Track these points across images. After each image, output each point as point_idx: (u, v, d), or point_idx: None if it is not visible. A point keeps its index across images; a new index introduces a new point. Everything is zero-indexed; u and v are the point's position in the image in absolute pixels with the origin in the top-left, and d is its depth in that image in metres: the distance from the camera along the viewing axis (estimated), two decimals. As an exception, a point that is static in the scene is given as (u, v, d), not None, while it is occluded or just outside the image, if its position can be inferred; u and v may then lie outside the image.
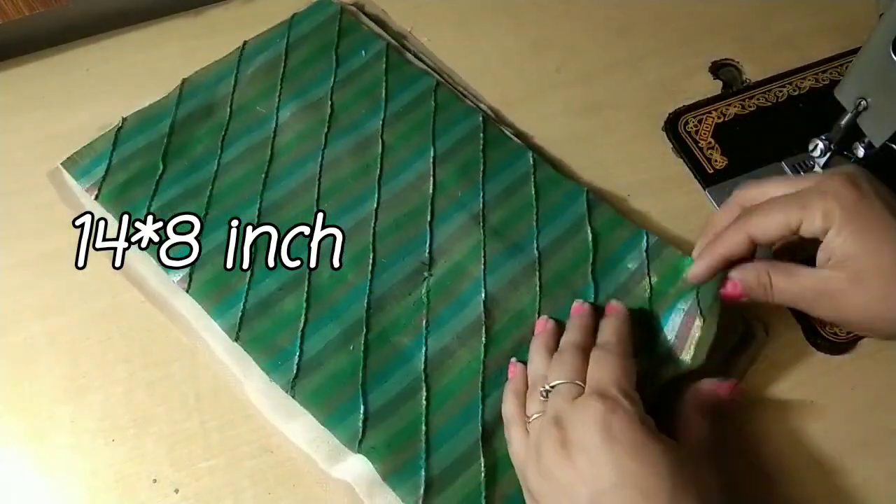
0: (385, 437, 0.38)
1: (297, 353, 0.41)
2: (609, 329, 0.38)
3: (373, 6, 0.56)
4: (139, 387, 0.42)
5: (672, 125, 0.51)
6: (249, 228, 0.45)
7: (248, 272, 0.43)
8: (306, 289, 0.43)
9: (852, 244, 0.33)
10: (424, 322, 0.42)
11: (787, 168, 0.49)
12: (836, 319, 0.35)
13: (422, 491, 0.37)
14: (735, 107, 0.52)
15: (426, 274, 0.43)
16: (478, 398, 0.40)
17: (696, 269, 0.39)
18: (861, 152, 0.44)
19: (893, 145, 0.43)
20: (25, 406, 0.41)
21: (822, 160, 0.47)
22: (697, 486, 0.31)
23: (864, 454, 0.40)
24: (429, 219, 0.45)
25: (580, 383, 0.35)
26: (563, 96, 0.53)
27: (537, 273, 0.43)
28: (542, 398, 0.36)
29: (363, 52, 0.52)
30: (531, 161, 0.48)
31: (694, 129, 0.51)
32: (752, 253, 0.38)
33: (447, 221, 0.45)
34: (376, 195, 0.46)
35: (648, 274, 0.43)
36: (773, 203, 0.36)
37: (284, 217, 0.45)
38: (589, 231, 0.45)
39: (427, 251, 0.44)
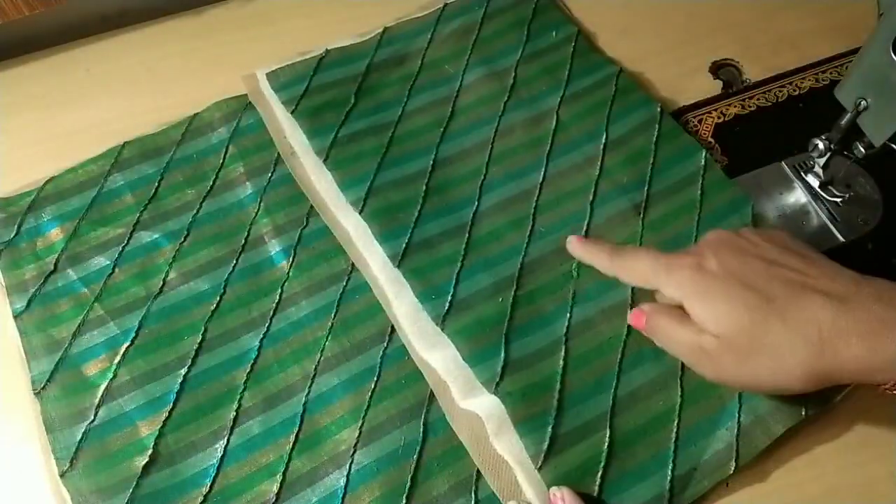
0: (521, 386, 0.39)
1: (451, 293, 0.42)
2: None
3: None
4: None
5: (672, 125, 0.51)
6: (423, 175, 0.47)
7: (416, 213, 0.45)
8: (465, 240, 0.45)
9: (711, 317, 0.35)
10: (571, 293, 0.43)
11: (787, 168, 0.49)
12: (717, 379, 0.36)
13: (545, 445, 0.38)
14: (735, 107, 0.52)
15: None
16: (613, 373, 0.40)
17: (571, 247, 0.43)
18: (861, 152, 0.44)
19: (893, 145, 0.43)
20: (25, 406, 0.41)
21: (822, 160, 0.47)
22: None
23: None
24: (590, 199, 0.47)
25: None
26: (563, 96, 0.53)
27: None
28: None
29: (553, 32, 0.54)
30: (703, 161, 0.48)
31: (694, 129, 0.51)
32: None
33: (607, 205, 0.46)
34: (543, 169, 0.48)
35: None
36: (641, 256, 0.39)
37: (455, 173, 0.48)
38: None
39: (585, 229, 0.45)
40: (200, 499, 0.37)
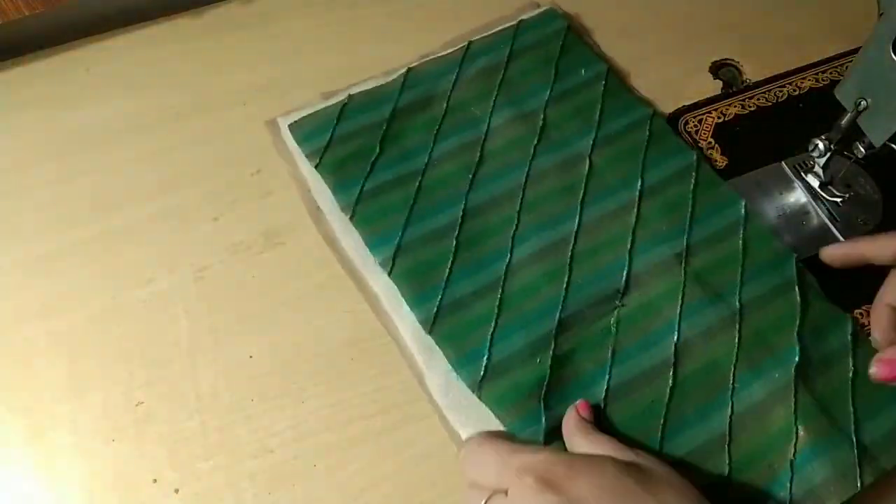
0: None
1: (486, 356, 0.41)
2: None
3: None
4: (139, 387, 0.41)
5: (672, 125, 0.51)
6: (453, 228, 0.45)
7: (447, 271, 0.44)
8: (499, 296, 0.43)
9: None
10: (611, 352, 0.41)
11: (787, 168, 0.49)
12: None
13: None
14: (735, 107, 0.52)
15: (618, 303, 0.43)
16: (656, 440, 0.38)
17: (831, 250, 0.42)
18: (861, 152, 0.44)
19: (893, 145, 0.43)
20: (25, 406, 0.41)
21: (822, 160, 0.47)
22: None
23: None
24: (628, 248, 0.44)
25: None
26: (563, 96, 0.53)
27: (737, 326, 0.42)
28: None
29: (583, 70, 0.52)
30: (743, 211, 0.46)
31: (694, 129, 0.51)
32: None
33: (647, 255, 0.44)
34: (577, 217, 0.46)
35: (854, 357, 0.41)
36: None
37: (486, 223, 0.46)
38: (797, 296, 0.43)
39: (623, 280, 0.43)
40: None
